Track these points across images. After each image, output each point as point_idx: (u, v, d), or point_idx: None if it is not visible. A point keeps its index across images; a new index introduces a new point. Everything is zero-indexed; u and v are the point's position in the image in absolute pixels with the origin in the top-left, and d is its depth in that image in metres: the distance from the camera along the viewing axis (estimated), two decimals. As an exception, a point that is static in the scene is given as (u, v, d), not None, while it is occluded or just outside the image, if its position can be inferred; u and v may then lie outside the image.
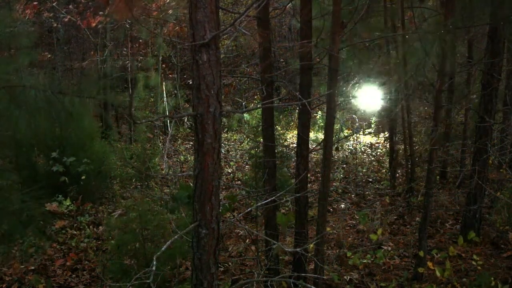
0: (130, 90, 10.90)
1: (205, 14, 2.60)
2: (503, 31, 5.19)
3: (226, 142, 11.25)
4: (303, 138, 4.68)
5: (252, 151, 6.89)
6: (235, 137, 11.69)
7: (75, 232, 6.37)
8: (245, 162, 9.66)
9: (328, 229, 5.27)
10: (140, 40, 11.25)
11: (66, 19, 8.78)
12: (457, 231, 6.06)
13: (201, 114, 2.73)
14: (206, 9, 2.59)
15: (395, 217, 6.74)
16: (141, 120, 9.70)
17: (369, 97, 5.02)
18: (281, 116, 10.36)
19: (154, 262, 2.68)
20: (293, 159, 8.25)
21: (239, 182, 8.49)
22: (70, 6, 9.39)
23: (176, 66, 12.26)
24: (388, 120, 8.20)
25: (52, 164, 6.76)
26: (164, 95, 11.39)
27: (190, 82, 11.94)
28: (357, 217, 6.63)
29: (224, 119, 11.67)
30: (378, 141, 10.97)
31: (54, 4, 8.87)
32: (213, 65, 2.68)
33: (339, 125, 10.25)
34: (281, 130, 10.19)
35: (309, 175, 6.69)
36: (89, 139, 7.34)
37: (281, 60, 12.16)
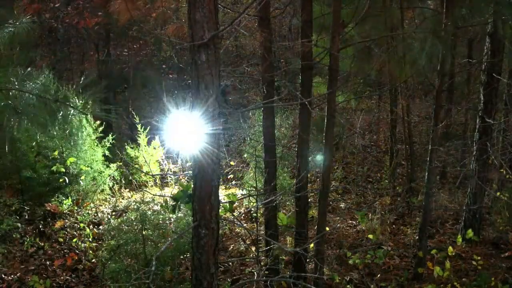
0: (130, 90, 10.87)
1: (203, 14, 2.59)
2: (503, 31, 5.19)
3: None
4: (303, 138, 4.68)
5: (253, 151, 6.89)
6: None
7: (75, 232, 6.36)
8: (245, 162, 9.64)
9: (328, 229, 5.27)
10: (141, 41, 11.23)
11: (66, 21, 8.72)
12: (457, 231, 6.06)
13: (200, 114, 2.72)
14: (205, 9, 2.58)
15: (395, 217, 6.74)
16: (142, 120, 9.69)
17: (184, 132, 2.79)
18: (283, 116, 10.33)
19: (154, 262, 2.68)
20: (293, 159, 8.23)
21: (239, 182, 8.48)
22: (69, 8, 9.36)
23: (175, 68, 12.24)
24: (387, 120, 8.19)
25: (51, 165, 6.77)
26: (164, 95, 11.36)
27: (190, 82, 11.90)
28: (357, 217, 6.62)
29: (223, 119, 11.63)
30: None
31: (57, 5, 8.83)
32: (212, 65, 2.67)
33: (339, 125, 10.22)
34: (284, 131, 10.15)
35: (309, 175, 6.69)
36: (89, 139, 7.33)
37: (282, 60, 12.14)
